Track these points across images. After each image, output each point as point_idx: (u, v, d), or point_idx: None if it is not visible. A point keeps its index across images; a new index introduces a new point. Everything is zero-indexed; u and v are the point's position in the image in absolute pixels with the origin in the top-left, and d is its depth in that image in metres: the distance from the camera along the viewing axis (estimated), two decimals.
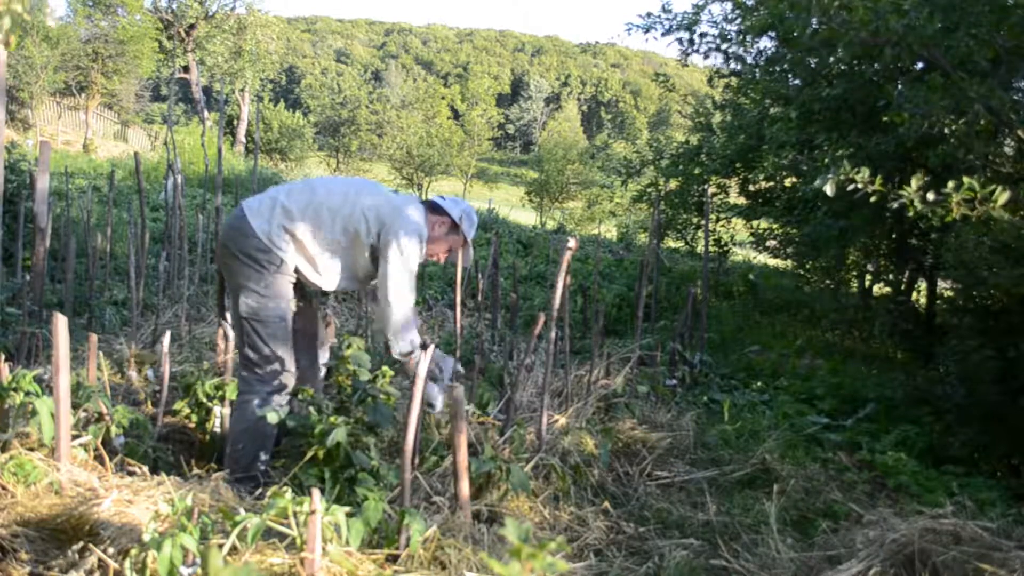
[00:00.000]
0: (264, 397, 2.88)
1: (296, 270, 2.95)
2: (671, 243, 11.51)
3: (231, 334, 3.51)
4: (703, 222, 8.63)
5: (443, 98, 29.68)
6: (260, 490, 2.54)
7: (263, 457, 2.85)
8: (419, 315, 6.35)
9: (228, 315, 3.43)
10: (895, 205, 2.79)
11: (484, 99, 27.21)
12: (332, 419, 2.49)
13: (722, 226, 10.88)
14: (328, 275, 2.99)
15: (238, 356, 3.13)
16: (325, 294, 3.34)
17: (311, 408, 2.58)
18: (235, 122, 25.48)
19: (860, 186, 2.86)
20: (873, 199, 2.90)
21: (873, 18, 3.69)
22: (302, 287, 3.07)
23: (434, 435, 3.35)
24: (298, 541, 1.79)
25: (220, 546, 1.76)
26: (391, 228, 2.88)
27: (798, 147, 7.04)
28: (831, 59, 6.48)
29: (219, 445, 3.15)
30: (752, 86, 8.85)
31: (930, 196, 2.71)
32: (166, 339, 3.24)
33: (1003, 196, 2.57)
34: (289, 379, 2.94)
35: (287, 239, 2.88)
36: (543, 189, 25.00)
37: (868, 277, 9.15)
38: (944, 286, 6.90)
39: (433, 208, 3.12)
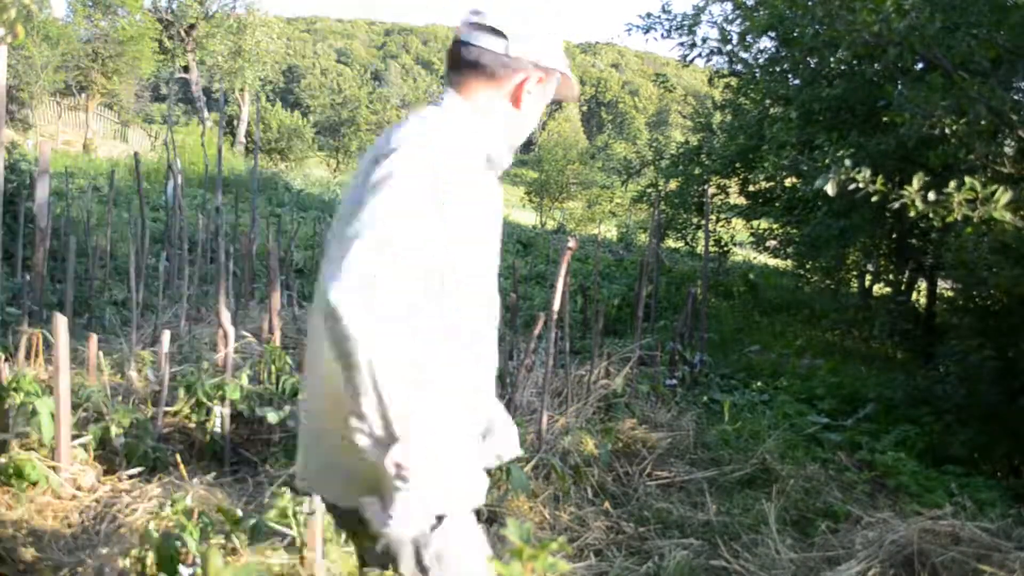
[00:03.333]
0: None
1: None
2: (671, 243, 11.49)
3: (231, 333, 3.51)
4: (703, 222, 8.63)
5: None
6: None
7: None
8: None
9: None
10: (896, 205, 2.78)
11: None
12: None
13: (722, 226, 10.87)
14: None
15: None
16: None
17: None
18: (235, 122, 25.46)
19: (861, 185, 2.86)
20: (874, 199, 2.90)
21: (876, 19, 3.69)
22: None
23: None
24: (298, 541, 1.79)
25: (220, 546, 1.76)
26: None
27: (798, 147, 7.03)
28: (831, 59, 6.48)
29: (219, 445, 3.15)
30: (752, 86, 8.84)
31: (931, 196, 2.71)
32: (166, 339, 3.24)
33: (1005, 196, 2.57)
34: None
35: None
36: (543, 189, 24.96)
37: (868, 277, 9.15)
38: (944, 286, 6.90)
39: None
